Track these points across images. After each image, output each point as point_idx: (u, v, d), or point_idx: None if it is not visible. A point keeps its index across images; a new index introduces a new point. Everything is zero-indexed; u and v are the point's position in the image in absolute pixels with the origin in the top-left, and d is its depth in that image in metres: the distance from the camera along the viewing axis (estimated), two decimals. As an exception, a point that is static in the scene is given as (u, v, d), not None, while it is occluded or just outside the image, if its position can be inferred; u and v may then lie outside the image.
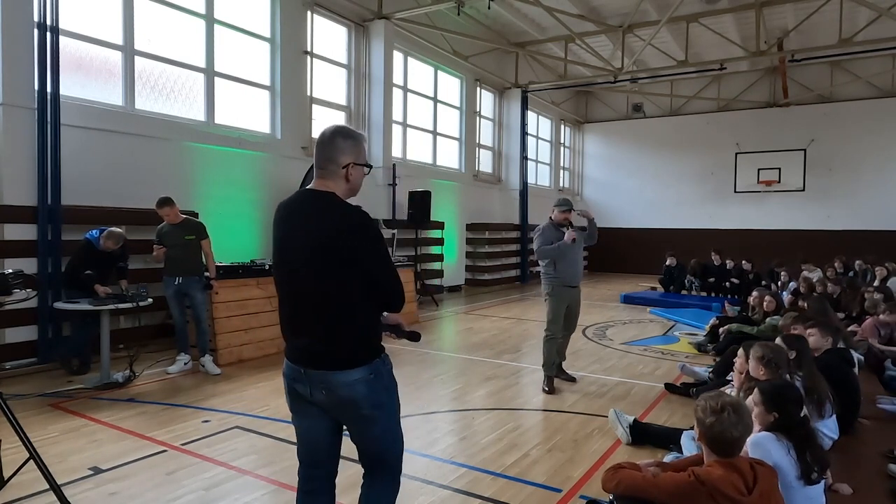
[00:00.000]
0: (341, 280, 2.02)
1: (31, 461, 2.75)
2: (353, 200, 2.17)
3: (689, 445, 3.44)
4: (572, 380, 5.85)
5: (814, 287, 8.27)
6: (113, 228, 5.87)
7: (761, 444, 2.49)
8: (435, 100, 13.46)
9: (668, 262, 13.31)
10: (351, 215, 2.04)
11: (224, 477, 3.51)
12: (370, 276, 2.04)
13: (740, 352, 3.69)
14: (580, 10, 12.78)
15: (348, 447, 2.28)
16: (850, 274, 10.81)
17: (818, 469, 2.45)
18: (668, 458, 3.40)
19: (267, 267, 7.02)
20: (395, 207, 11.23)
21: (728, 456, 2.23)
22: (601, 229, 6.31)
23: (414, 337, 2.27)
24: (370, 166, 2.22)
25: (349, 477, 3.31)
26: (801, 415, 2.72)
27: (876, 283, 9.01)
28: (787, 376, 3.21)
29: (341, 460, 2.33)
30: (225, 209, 8.18)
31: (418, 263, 11.30)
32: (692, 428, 3.25)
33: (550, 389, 5.50)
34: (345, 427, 2.24)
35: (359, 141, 2.14)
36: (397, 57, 11.82)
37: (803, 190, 16.71)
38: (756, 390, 2.72)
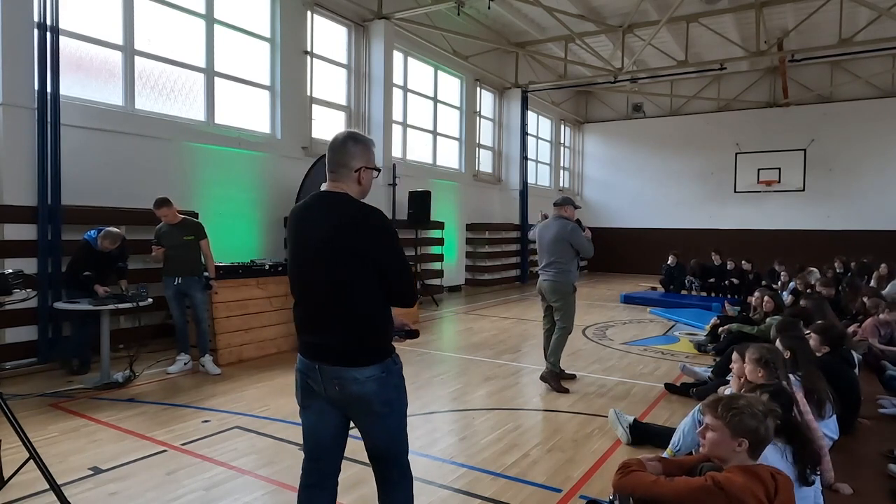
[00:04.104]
0: (357, 274, 2.08)
1: (31, 461, 2.75)
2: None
3: (687, 437, 3.41)
4: (573, 377, 5.90)
5: (812, 287, 8.27)
6: (110, 228, 5.86)
7: None
8: (435, 100, 13.45)
9: (668, 262, 13.31)
10: (366, 211, 2.12)
11: (224, 477, 3.51)
12: (383, 270, 2.10)
13: (735, 356, 3.64)
14: (580, 10, 12.78)
15: (349, 448, 2.28)
16: (849, 274, 10.82)
17: (811, 468, 2.43)
18: (666, 455, 3.39)
19: (267, 267, 7.03)
20: (395, 207, 11.22)
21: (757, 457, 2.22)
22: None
23: (413, 334, 2.36)
24: (379, 170, 2.31)
25: (349, 477, 3.31)
26: (792, 414, 2.72)
27: (873, 284, 9.02)
28: (784, 377, 3.20)
29: (344, 461, 2.34)
30: (225, 209, 8.18)
31: (418, 263, 11.30)
32: (698, 423, 3.25)
33: (559, 387, 5.50)
34: (352, 424, 2.28)
35: (369, 146, 2.24)
36: (397, 57, 11.81)
37: (803, 190, 16.71)
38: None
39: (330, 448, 2.27)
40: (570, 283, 5.63)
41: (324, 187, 2.23)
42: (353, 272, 2.08)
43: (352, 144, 2.19)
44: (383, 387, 2.13)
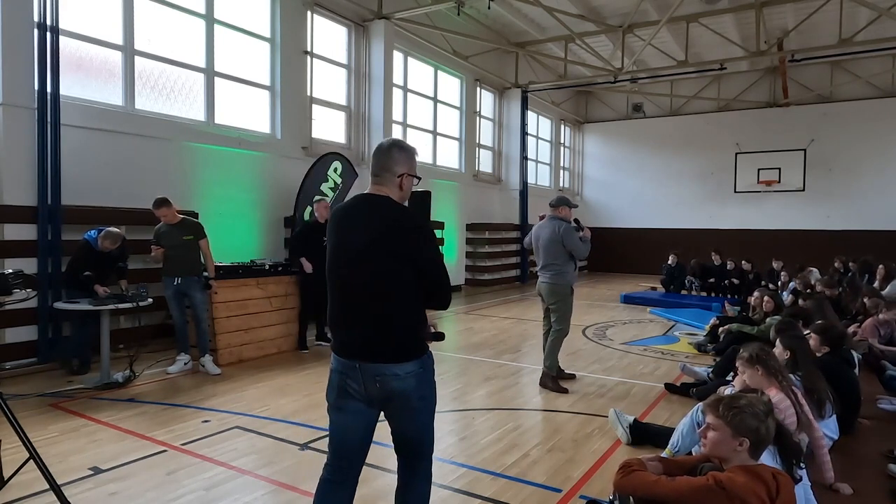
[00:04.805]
0: (397, 274, 2.18)
1: (31, 461, 2.75)
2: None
3: (686, 438, 3.40)
4: (573, 376, 5.89)
5: (812, 287, 8.27)
6: (111, 229, 5.86)
7: None
8: (435, 100, 13.45)
9: (669, 262, 13.31)
10: (410, 215, 2.26)
11: (224, 477, 3.51)
12: (423, 272, 2.20)
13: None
14: (580, 10, 12.78)
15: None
16: (850, 274, 10.81)
17: (796, 462, 2.43)
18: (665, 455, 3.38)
19: (267, 267, 7.03)
20: (395, 207, 11.21)
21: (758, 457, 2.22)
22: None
23: (439, 336, 2.41)
24: (419, 178, 2.42)
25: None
26: None
27: (875, 284, 9.01)
28: (781, 372, 3.17)
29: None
30: (225, 209, 8.18)
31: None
32: (697, 424, 3.24)
33: (558, 388, 5.49)
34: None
35: (412, 154, 2.37)
36: (397, 57, 11.81)
37: (803, 190, 16.71)
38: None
39: (357, 448, 2.33)
40: (567, 284, 5.60)
41: (368, 190, 2.33)
42: (394, 272, 2.17)
43: (396, 151, 2.31)
44: (421, 382, 2.24)
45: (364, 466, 2.37)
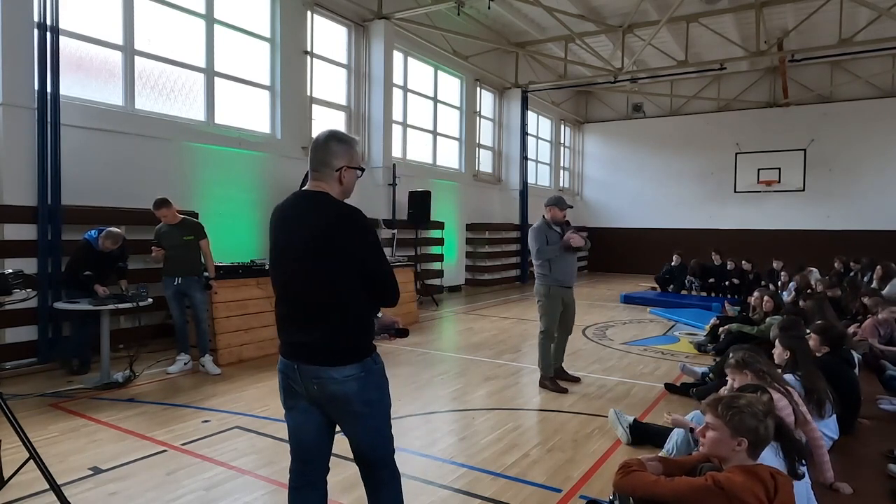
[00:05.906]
0: (336, 274, 2.09)
1: (31, 461, 2.75)
2: (353, 200, 2.22)
3: (680, 448, 3.38)
4: (577, 380, 5.83)
5: (812, 287, 8.27)
6: (111, 228, 5.87)
7: None
8: (435, 100, 13.45)
9: (672, 262, 13.31)
10: (347, 212, 2.12)
11: (224, 477, 3.51)
12: (366, 270, 2.11)
13: None
14: (580, 10, 12.78)
15: (346, 448, 2.28)
16: (851, 273, 10.81)
17: (799, 460, 2.43)
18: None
19: (267, 267, 7.03)
20: (395, 207, 11.22)
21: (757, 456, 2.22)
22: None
23: (403, 333, 2.35)
24: (362, 169, 2.30)
25: (349, 477, 3.31)
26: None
27: (874, 285, 9.01)
28: (771, 373, 3.16)
29: (341, 461, 2.34)
30: (225, 209, 8.18)
31: (418, 263, 11.30)
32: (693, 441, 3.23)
33: (557, 388, 5.48)
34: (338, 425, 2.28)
35: (352, 145, 2.22)
36: (397, 57, 11.81)
37: (803, 190, 16.70)
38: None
39: (316, 448, 2.26)
40: (546, 285, 5.55)
41: (306, 187, 2.24)
42: (333, 272, 2.09)
43: (334, 143, 2.18)
44: (364, 386, 2.13)
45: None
